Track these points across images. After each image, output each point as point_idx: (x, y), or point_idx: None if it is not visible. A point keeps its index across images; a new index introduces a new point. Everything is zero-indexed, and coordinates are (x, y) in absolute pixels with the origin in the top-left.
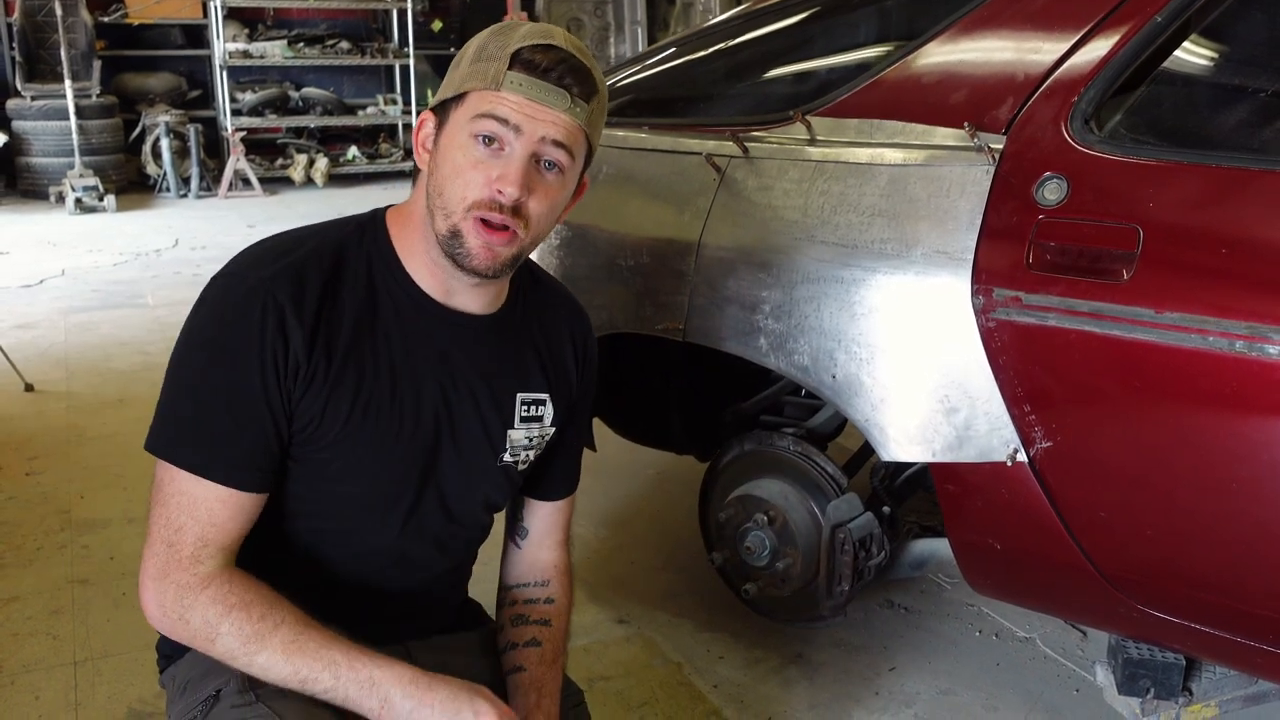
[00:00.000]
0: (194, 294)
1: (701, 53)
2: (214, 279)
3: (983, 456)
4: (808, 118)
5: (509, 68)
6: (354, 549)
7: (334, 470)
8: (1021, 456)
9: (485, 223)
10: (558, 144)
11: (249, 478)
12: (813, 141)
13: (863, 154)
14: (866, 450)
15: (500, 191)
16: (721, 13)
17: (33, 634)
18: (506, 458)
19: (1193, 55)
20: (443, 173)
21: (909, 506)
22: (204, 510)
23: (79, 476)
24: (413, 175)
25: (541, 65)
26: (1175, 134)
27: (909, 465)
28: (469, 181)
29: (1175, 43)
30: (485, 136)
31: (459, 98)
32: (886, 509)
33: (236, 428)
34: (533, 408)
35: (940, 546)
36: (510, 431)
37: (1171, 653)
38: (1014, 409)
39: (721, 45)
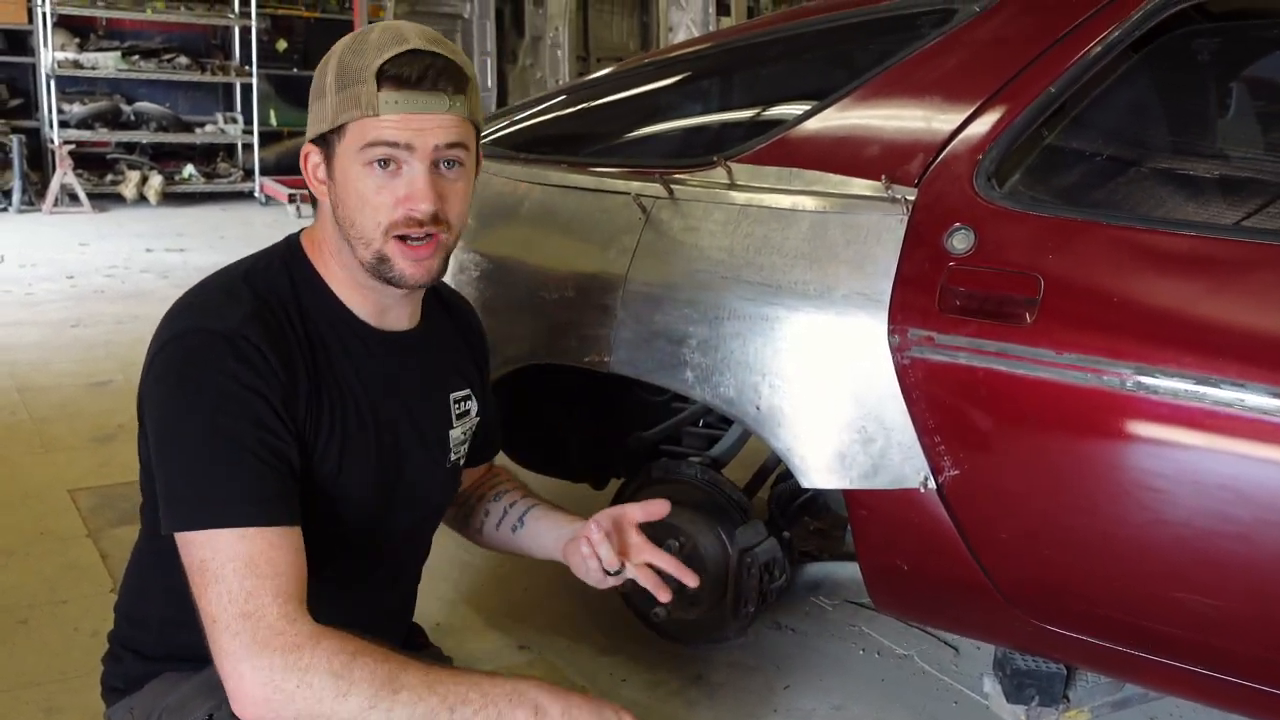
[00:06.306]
0: (29, 315)
1: (617, 95)
2: (168, 343)
3: (896, 483)
4: (729, 163)
5: (379, 88)
6: (335, 575)
7: (319, 505)
8: (931, 484)
9: (406, 239)
10: (452, 145)
11: (296, 511)
12: (733, 186)
13: (784, 200)
14: (761, 476)
15: (413, 210)
16: (570, 50)
17: None
18: (452, 457)
19: (1083, 122)
20: (349, 205)
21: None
22: (266, 563)
23: None
24: (312, 203)
25: (411, 77)
26: (1067, 193)
27: (803, 492)
28: (378, 207)
29: (1068, 111)
30: (380, 161)
31: (338, 130)
32: (786, 534)
33: (266, 466)
34: (462, 404)
35: (834, 569)
36: (450, 432)
37: (1055, 663)
38: (925, 439)
39: (638, 89)
